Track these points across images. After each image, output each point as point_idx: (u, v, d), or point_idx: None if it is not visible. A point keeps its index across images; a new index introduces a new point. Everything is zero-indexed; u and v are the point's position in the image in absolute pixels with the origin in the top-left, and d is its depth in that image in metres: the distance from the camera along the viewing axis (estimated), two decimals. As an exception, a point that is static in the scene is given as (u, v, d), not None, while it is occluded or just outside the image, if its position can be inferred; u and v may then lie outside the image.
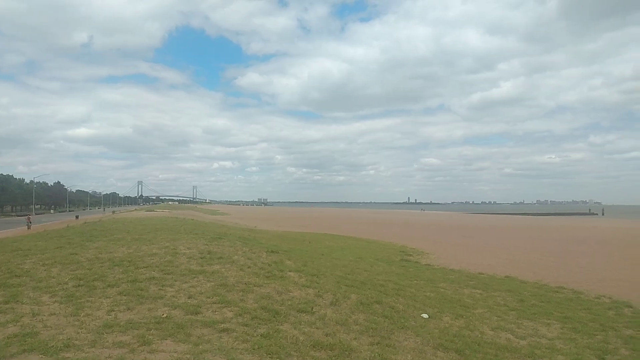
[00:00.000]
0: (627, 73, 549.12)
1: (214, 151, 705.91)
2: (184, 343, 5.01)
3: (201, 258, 10.68)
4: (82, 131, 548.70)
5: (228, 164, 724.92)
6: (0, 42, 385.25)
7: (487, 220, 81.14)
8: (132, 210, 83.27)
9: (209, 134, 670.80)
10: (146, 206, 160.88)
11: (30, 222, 42.94)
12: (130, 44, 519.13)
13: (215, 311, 6.44)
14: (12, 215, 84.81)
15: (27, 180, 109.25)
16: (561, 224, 68.46)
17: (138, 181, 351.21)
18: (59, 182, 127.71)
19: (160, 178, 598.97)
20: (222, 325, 5.78)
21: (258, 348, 4.97)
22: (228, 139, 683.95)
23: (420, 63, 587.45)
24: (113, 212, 79.69)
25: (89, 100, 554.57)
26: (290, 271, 10.43)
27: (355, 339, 6.02)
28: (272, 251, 13.94)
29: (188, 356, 4.60)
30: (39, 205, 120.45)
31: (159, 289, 7.50)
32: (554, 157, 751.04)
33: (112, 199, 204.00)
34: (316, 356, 5.08)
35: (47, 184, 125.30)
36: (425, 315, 8.68)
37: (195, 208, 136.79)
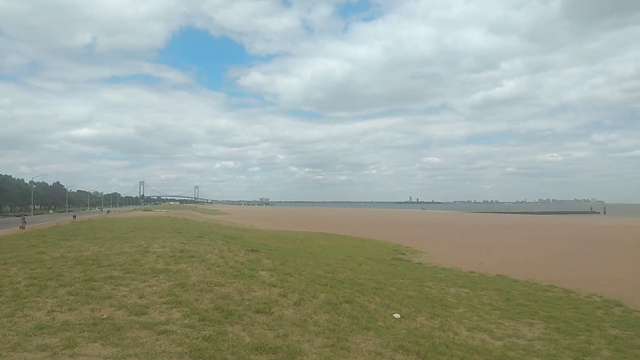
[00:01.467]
0: (629, 72, 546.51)
1: (216, 151, 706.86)
2: (112, 346, 4.65)
3: (171, 257, 10.32)
4: (84, 132, 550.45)
5: (230, 163, 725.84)
6: (2, 42, 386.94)
7: (486, 219, 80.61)
8: (131, 210, 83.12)
9: (211, 134, 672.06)
10: (144, 206, 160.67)
11: (25, 222, 42.70)
12: (133, 45, 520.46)
13: (163, 312, 6.07)
14: (10, 216, 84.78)
15: (27, 181, 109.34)
16: (561, 223, 67.92)
17: (140, 181, 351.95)
18: (58, 183, 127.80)
19: (162, 178, 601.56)
20: (164, 327, 5.41)
21: (192, 351, 4.61)
22: (230, 139, 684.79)
23: (422, 62, 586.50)
24: (108, 212, 79.49)
25: (91, 101, 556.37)
26: (262, 270, 10.05)
27: (308, 340, 5.64)
28: (252, 250, 13.57)
29: (112, 361, 4.24)
30: (38, 206, 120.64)
31: (112, 289, 7.14)
32: (556, 155, 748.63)
33: (113, 199, 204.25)
34: (256, 360, 4.71)
35: (47, 184, 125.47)
36: (397, 315, 8.29)
37: (195, 208, 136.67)
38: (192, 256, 10.53)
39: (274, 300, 7.37)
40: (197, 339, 5.06)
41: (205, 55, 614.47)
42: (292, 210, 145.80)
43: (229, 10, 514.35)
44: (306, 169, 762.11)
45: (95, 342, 4.74)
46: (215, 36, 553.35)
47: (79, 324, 5.33)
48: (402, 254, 25.31)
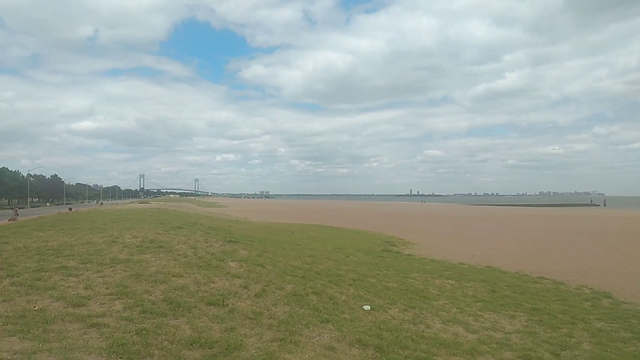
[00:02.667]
0: (632, 64, 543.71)
1: (217, 144, 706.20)
2: (30, 340, 4.24)
3: (138, 247, 9.90)
4: (85, 124, 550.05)
5: (231, 156, 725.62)
6: (4, 35, 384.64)
7: (485, 212, 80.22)
8: (128, 203, 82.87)
9: (213, 126, 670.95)
10: (141, 199, 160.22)
11: (18, 215, 42.35)
12: (135, 37, 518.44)
13: (104, 304, 5.67)
14: (5, 208, 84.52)
15: (25, 173, 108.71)
16: (559, 215, 67.54)
17: (140, 174, 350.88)
18: (55, 175, 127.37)
19: (162, 171, 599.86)
20: (98, 319, 5.00)
21: (115, 346, 4.20)
22: (231, 131, 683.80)
23: (425, 54, 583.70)
24: (101, 204, 79.18)
25: (93, 94, 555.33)
26: (233, 261, 9.64)
27: (256, 334, 5.23)
28: (230, 241, 13.15)
29: (19, 356, 3.83)
30: (37, 199, 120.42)
31: (61, 279, 6.73)
32: (557, 148, 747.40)
33: (113, 192, 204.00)
34: (188, 355, 4.30)
35: (45, 177, 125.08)
36: (367, 307, 7.89)
37: (193, 201, 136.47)
38: (161, 246, 10.12)
39: (233, 291, 6.96)
40: (128, 332, 4.66)
41: (207, 48, 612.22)
42: (291, 203, 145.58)
43: (231, 2, 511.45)
44: (307, 162, 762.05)
45: (14, 336, 4.34)
46: (217, 28, 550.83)
47: (6, 316, 4.92)
48: (394, 245, 24.93)
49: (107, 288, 6.32)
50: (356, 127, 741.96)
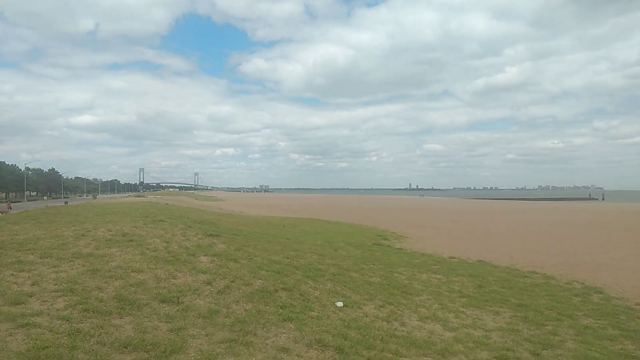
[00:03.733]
0: (633, 58, 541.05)
1: (217, 138, 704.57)
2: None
3: (107, 241, 9.50)
4: (85, 118, 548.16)
5: (231, 150, 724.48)
6: (4, 28, 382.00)
7: (482, 206, 79.86)
8: (125, 197, 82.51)
9: (213, 120, 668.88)
10: (136, 193, 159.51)
11: (11, 209, 42.02)
12: (136, 31, 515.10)
13: (45, 301, 5.27)
14: (3, 202, 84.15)
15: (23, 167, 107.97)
16: (556, 208, 67.20)
17: (140, 168, 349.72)
18: (53, 169, 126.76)
19: (162, 165, 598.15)
20: (32, 319, 4.61)
21: (36, 349, 3.81)
22: (231, 125, 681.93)
23: (425, 48, 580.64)
24: (94, 197, 78.82)
25: (93, 87, 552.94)
26: (206, 255, 9.24)
27: (206, 335, 4.84)
28: (211, 235, 12.74)
29: None
30: (34, 192, 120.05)
31: (11, 274, 6.33)
32: (556, 142, 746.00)
33: (112, 186, 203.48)
34: (117, 359, 3.91)
35: (43, 170, 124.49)
36: (339, 304, 7.50)
37: (192, 195, 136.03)
38: (132, 240, 9.71)
39: (194, 288, 6.56)
40: (59, 333, 4.26)
41: (208, 42, 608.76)
42: (289, 197, 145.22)
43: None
44: (307, 156, 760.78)
45: None
46: (218, 22, 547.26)
47: None
48: (386, 239, 24.56)
49: (56, 284, 5.92)
50: (356, 121, 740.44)
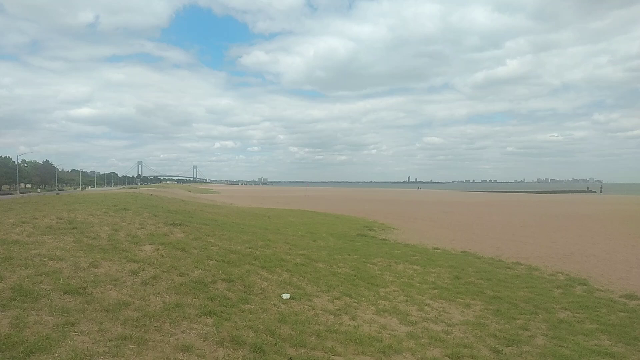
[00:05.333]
0: (633, 51, 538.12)
1: (216, 131, 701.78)
2: None
3: (47, 228, 8.78)
4: (84, 111, 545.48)
5: (230, 143, 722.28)
6: (4, 21, 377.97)
7: (479, 198, 79.19)
8: (120, 189, 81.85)
9: (212, 113, 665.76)
10: (130, 186, 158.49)
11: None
12: (136, 24, 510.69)
13: None
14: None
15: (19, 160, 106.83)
16: (553, 201, 66.57)
17: (138, 161, 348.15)
18: (47, 161, 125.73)
19: (161, 158, 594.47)
20: None
21: None
22: (231, 118, 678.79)
23: (426, 41, 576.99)
24: (82, 189, 78.22)
25: (92, 80, 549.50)
26: (152, 244, 8.53)
27: (99, 331, 4.14)
28: (172, 224, 12.02)
29: None
30: (29, 185, 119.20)
31: None
32: (556, 135, 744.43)
33: (110, 179, 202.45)
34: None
35: (38, 162, 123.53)
36: (285, 296, 6.81)
37: (188, 188, 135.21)
38: (75, 227, 9.00)
39: (114, 278, 5.85)
40: None
41: (208, 34, 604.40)
42: (286, 190, 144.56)
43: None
44: (306, 149, 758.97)
45: None
46: (219, 15, 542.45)
47: None
48: (372, 230, 23.88)
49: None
50: (356, 114, 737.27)
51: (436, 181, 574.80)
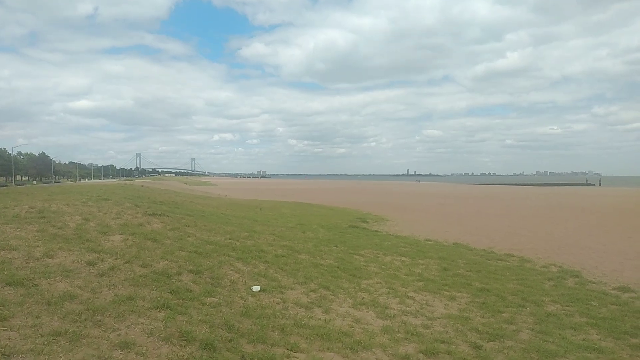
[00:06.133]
0: (634, 44, 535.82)
1: (215, 123, 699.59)
2: None
3: (13, 217, 8.38)
4: (83, 103, 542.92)
5: (229, 136, 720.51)
6: (3, 13, 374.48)
7: (477, 191, 78.87)
8: (116, 181, 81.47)
9: (211, 105, 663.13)
10: (126, 178, 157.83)
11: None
12: (136, 15, 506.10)
13: None
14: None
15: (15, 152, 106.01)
16: (550, 193, 66.27)
17: (136, 153, 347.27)
18: (43, 153, 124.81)
19: (160, 150, 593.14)
20: None
21: None
22: (230, 110, 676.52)
23: (427, 33, 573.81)
24: (73, 181, 77.83)
25: (91, 72, 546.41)
26: (122, 234, 8.13)
27: (32, 326, 3.76)
28: (152, 214, 11.61)
29: None
30: (26, 177, 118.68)
31: None
32: (555, 128, 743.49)
33: (107, 172, 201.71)
34: None
35: (34, 154, 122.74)
36: (256, 288, 6.43)
37: (185, 180, 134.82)
38: (43, 217, 8.60)
39: (69, 269, 5.47)
40: None
41: (207, 26, 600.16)
42: (284, 182, 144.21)
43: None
44: (305, 142, 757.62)
45: None
46: (218, 6, 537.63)
47: None
48: (365, 222, 23.54)
49: None
50: (355, 107, 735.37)
51: (435, 174, 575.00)
